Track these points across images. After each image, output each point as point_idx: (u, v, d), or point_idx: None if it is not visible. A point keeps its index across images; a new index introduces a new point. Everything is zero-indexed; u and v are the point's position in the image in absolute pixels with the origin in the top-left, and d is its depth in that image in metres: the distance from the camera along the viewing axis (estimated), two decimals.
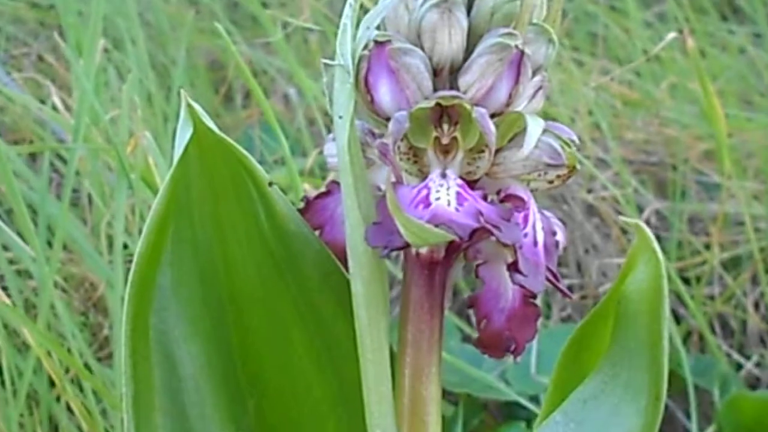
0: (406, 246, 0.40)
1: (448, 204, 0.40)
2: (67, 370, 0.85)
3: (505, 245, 0.43)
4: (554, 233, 0.45)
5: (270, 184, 0.46)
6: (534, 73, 0.43)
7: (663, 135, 1.18)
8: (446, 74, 0.43)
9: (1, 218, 0.95)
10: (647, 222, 1.15)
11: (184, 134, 0.46)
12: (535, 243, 0.42)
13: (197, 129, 0.45)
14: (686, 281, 1.11)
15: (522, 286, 0.42)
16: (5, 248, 0.89)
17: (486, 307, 0.45)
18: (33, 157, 1.10)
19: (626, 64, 1.32)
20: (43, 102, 1.05)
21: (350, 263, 0.43)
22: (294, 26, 1.22)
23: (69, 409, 0.84)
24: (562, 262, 1.12)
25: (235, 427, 0.48)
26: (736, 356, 1.06)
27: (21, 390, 0.81)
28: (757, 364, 1.06)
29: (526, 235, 0.42)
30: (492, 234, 0.39)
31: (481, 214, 0.39)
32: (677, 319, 1.08)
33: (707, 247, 1.11)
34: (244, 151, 0.46)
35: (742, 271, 1.10)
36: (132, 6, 1.18)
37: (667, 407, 1.03)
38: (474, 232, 0.39)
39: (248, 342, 0.49)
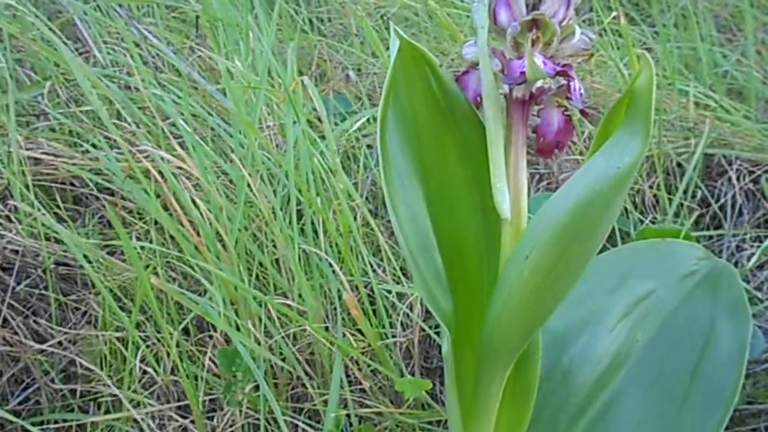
0: (523, 82, 0.53)
1: (540, 65, 0.54)
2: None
3: (558, 92, 0.57)
4: (580, 88, 0.58)
5: (440, 66, 0.61)
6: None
7: (593, 89, 1.32)
8: (531, 5, 0.54)
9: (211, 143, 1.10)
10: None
11: (394, 45, 0.57)
12: (575, 88, 0.55)
13: (401, 41, 0.56)
14: None
15: (570, 105, 0.55)
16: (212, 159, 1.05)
17: (542, 130, 0.57)
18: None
19: None
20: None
21: (485, 102, 0.54)
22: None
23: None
24: None
25: (421, 190, 0.59)
26: (640, 217, 1.24)
27: (238, 214, 0.93)
28: (652, 221, 1.24)
29: (572, 82, 0.55)
30: (566, 74, 0.52)
31: (555, 69, 0.54)
32: None
33: None
34: (425, 49, 0.57)
35: (643, 165, 1.26)
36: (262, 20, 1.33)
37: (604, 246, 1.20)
38: (557, 73, 0.52)
39: (423, 149, 0.59)
